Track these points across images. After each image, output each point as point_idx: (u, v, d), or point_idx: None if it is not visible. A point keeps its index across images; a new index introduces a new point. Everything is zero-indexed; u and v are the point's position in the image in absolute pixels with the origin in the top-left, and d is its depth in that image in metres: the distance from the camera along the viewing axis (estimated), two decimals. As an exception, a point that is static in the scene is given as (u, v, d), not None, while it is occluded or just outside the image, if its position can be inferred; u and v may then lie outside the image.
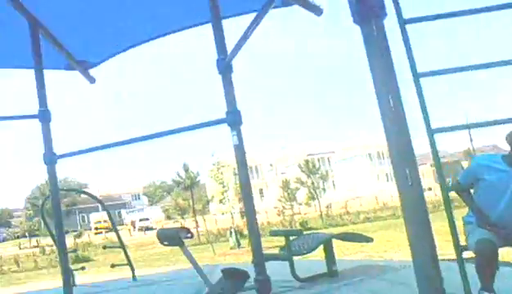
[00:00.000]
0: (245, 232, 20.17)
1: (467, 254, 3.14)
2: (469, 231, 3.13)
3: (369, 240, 7.18)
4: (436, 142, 3.00)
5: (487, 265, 2.90)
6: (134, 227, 51.39)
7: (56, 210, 7.52)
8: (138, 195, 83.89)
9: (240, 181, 5.97)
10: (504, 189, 3.06)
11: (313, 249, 6.25)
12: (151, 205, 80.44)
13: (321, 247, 6.36)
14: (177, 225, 32.31)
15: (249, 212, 5.87)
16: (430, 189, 32.62)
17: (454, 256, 3.02)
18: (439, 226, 3.44)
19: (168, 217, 57.24)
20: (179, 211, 35.88)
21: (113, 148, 7.42)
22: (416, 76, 3.06)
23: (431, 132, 3.02)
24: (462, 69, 3.23)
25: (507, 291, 3.07)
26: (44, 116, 7.32)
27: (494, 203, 3.11)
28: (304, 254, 6.20)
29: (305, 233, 7.13)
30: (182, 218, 35.09)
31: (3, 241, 59.50)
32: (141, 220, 55.06)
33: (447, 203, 3.02)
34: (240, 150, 5.76)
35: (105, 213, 49.98)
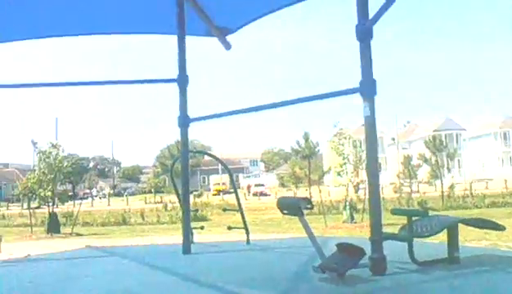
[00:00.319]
0: (359, 206, 19.78)
1: None
2: None
3: (500, 228, 6.58)
4: None
5: None
6: (249, 191, 53.11)
7: (184, 170, 7.99)
8: (256, 161, 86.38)
9: (367, 155, 5.76)
10: None
11: (437, 232, 5.86)
12: (267, 171, 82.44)
13: (445, 230, 5.95)
14: (291, 194, 32.74)
15: (373, 188, 5.66)
16: None
17: None
18: None
19: (283, 185, 58.28)
20: (294, 179, 36.29)
21: (241, 114, 7.61)
22: None
23: None
24: None
25: None
26: (182, 81, 7.69)
27: None
28: (426, 236, 5.84)
29: (430, 214, 6.71)
30: (296, 187, 35.46)
31: (132, 195, 64.93)
32: (256, 185, 56.72)
33: None
34: (370, 122, 5.52)
35: (224, 176, 52.39)
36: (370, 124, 5.57)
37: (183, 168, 8.03)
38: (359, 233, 11.85)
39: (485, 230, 8.30)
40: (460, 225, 6.41)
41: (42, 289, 5.23)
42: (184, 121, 7.67)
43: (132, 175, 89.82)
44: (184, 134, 7.78)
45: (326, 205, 24.35)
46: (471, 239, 9.48)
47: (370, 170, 5.74)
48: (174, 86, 7.69)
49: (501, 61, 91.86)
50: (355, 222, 17.56)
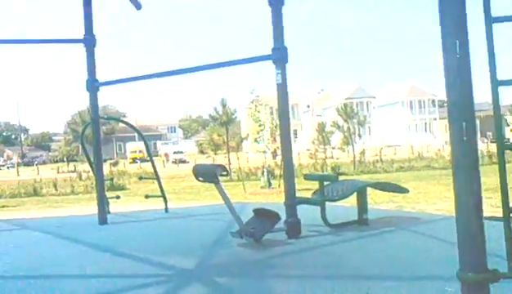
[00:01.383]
0: (276, 172, 20.27)
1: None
2: None
3: (404, 191, 7.09)
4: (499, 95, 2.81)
5: None
6: (167, 159, 52.56)
7: (96, 137, 7.70)
8: (174, 128, 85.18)
9: (280, 121, 5.90)
10: None
11: (347, 196, 6.20)
12: (186, 138, 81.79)
13: (355, 194, 6.29)
14: (210, 161, 32.81)
15: (286, 154, 5.84)
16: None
17: (500, 215, 2.90)
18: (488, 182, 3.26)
19: (202, 152, 58.17)
20: (213, 146, 36.31)
21: (154, 78, 7.44)
22: (489, 20, 2.81)
23: (496, 84, 2.80)
24: None
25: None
26: (89, 42, 7.32)
27: None
28: (337, 200, 6.15)
29: (340, 179, 7.05)
30: (215, 153, 35.52)
31: (43, 164, 61.94)
32: (175, 152, 56.15)
33: (501, 161, 2.85)
34: (282, 89, 5.65)
35: (141, 143, 51.25)
36: (282, 91, 5.68)
37: (94, 135, 7.73)
38: (276, 199, 12.17)
39: (392, 193, 8.86)
40: (370, 189, 6.82)
41: None
42: (92, 85, 7.37)
43: (42, 142, 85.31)
44: (93, 98, 7.48)
45: (245, 171, 24.71)
46: (379, 202, 10.09)
47: (282, 137, 5.90)
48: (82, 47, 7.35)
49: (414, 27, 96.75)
50: (273, 188, 18.00)
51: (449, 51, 2.74)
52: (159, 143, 70.08)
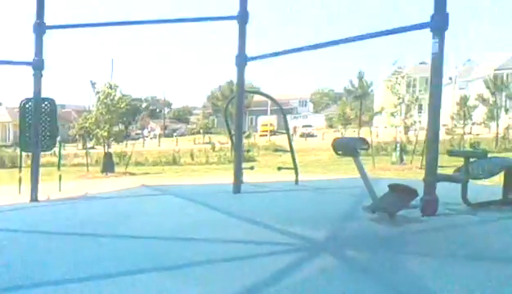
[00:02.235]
0: (409, 148, 19.43)
1: None
2: None
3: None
4: None
5: None
6: (295, 132, 53.13)
7: (239, 111, 8.04)
8: (305, 101, 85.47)
9: (431, 92, 5.54)
10: None
11: (495, 174, 5.74)
12: (316, 112, 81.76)
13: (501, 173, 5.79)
14: (338, 135, 32.52)
15: (433, 128, 5.52)
16: None
17: None
18: None
19: (331, 126, 57.80)
20: (343, 120, 35.85)
21: (300, 52, 7.41)
22: None
23: None
24: None
25: None
26: (242, 18, 7.56)
27: None
28: (482, 178, 5.72)
29: (489, 156, 6.52)
30: (344, 128, 35.06)
31: (181, 136, 66.27)
32: (304, 126, 56.54)
33: None
34: (438, 59, 5.33)
35: (272, 117, 52.37)
36: (438, 62, 5.34)
37: (238, 109, 8.05)
38: (408, 175, 11.69)
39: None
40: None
41: (100, 226, 5.53)
42: (242, 60, 7.57)
43: (183, 116, 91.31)
44: (241, 73, 7.68)
45: (375, 146, 24.07)
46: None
47: (431, 109, 5.54)
48: (228, 24, 7.55)
49: None
50: (404, 164, 17.33)
51: None
52: (288, 117, 71.02)
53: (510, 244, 4.22)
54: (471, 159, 5.86)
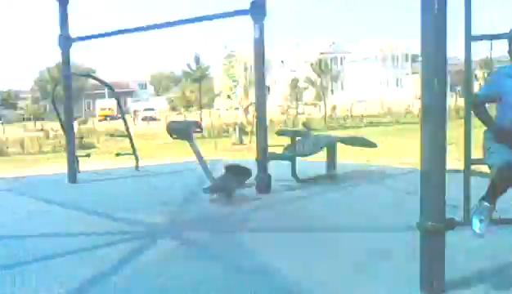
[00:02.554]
0: (248, 129, 20.31)
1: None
2: (491, 148, 2.94)
3: (372, 145, 7.22)
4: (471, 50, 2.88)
5: (504, 189, 2.84)
6: (137, 116, 51.81)
7: (67, 95, 7.52)
8: (145, 84, 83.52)
9: (256, 76, 5.86)
10: None
11: (317, 151, 6.31)
12: (157, 95, 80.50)
13: (325, 149, 6.39)
14: (181, 118, 32.59)
15: (260, 109, 5.85)
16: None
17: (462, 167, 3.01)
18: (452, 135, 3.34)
19: (173, 109, 57.56)
20: (185, 103, 35.96)
21: (128, 34, 7.22)
22: None
23: (469, 39, 2.84)
24: None
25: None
26: None
27: None
28: (308, 155, 6.25)
29: (312, 134, 7.15)
30: (187, 111, 35.24)
31: (9, 123, 60.36)
32: (145, 109, 55.34)
33: (468, 114, 2.94)
34: (259, 44, 5.62)
35: (111, 101, 50.15)
36: (259, 46, 5.64)
37: (66, 92, 7.57)
38: (248, 155, 12.26)
39: (360, 148, 9.03)
40: (340, 144, 6.93)
41: None
42: (66, 41, 7.15)
43: (8, 100, 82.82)
44: (65, 55, 7.29)
45: (217, 128, 24.67)
46: (350, 157, 10.26)
47: (257, 92, 5.90)
48: (53, 2, 7.07)
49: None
50: (244, 144, 18.09)
51: (427, 6, 2.74)
52: (129, 100, 68.86)
53: (335, 213, 4.70)
54: (297, 138, 6.38)
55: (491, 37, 3.22)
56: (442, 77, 2.82)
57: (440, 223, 2.84)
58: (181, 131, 5.69)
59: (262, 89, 5.89)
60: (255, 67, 5.81)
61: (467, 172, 2.96)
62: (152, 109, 55.39)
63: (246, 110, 22.18)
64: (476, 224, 2.96)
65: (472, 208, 3.00)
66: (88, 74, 22.31)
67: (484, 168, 3.67)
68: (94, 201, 5.78)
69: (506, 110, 2.95)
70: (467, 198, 2.95)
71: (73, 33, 7.20)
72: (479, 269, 2.97)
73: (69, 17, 7.12)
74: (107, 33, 7.50)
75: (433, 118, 2.87)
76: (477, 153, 3.07)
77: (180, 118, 31.95)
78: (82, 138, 16.25)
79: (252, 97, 21.70)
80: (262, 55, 5.73)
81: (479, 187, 3.04)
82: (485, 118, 3.01)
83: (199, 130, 5.62)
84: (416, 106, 27.46)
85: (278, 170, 6.05)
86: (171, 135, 5.80)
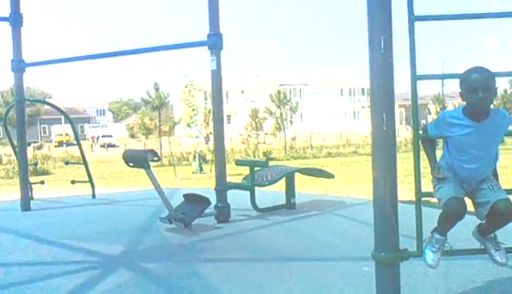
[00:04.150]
0: (208, 157, 20.25)
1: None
2: (439, 183, 3.03)
3: (330, 176, 7.37)
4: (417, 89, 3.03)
5: (453, 222, 2.95)
6: (96, 142, 50.90)
7: (20, 119, 7.34)
8: (103, 110, 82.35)
9: (213, 106, 5.95)
10: (470, 146, 2.93)
11: (276, 181, 6.36)
12: (116, 122, 79.50)
13: (283, 179, 6.47)
14: (141, 145, 32.19)
15: (218, 139, 5.90)
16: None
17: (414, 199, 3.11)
18: (403, 169, 3.47)
19: (132, 136, 56.85)
20: (144, 130, 35.56)
21: (85, 60, 7.19)
22: (412, 18, 3.00)
23: (415, 79, 3.01)
24: (460, 17, 3.23)
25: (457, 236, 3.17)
26: (15, 20, 6.93)
27: (461, 161, 3.00)
28: (266, 185, 6.29)
29: (271, 164, 7.22)
30: (146, 138, 34.85)
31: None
32: (104, 136, 54.46)
33: (416, 151, 3.06)
34: (216, 76, 5.71)
35: (67, 126, 49.08)
36: (217, 77, 5.73)
37: (19, 117, 7.39)
38: (207, 184, 12.22)
39: (319, 178, 9.18)
40: (298, 175, 7.03)
41: None
42: (18, 65, 7.04)
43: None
44: (19, 79, 7.14)
45: (177, 156, 24.47)
46: (307, 187, 10.40)
47: (215, 122, 5.97)
48: (7, 26, 6.99)
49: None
50: (204, 173, 17.98)
51: (374, 46, 2.90)
52: (86, 126, 67.63)
53: (293, 243, 4.72)
54: (256, 168, 6.45)
55: (434, 77, 3.42)
56: (390, 112, 2.95)
57: (394, 253, 2.93)
58: (138, 160, 5.62)
59: (219, 119, 5.95)
60: (213, 97, 5.88)
61: (418, 204, 3.06)
62: (111, 136, 54.59)
63: (207, 139, 22.11)
64: (428, 256, 3.05)
65: (424, 240, 3.10)
66: (42, 100, 21.76)
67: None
68: (47, 229, 5.62)
69: (447, 151, 3.09)
70: (419, 229, 3.04)
71: (29, 58, 7.10)
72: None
73: (22, 42, 7.03)
74: (61, 60, 7.43)
75: (383, 151, 2.99)
76: (428, 185, 3.19)
77: (139, 146, 31.58)
78: (35, 164, 15.76)
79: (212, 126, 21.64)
80: (220, 86, 5.81)
81: (433, 218, 3.16)
82: (427, 155, 3.16)
83: (155, 158, 5.56)
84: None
85: (238, 199, 6.07)
86: (127, 164, 5.74)
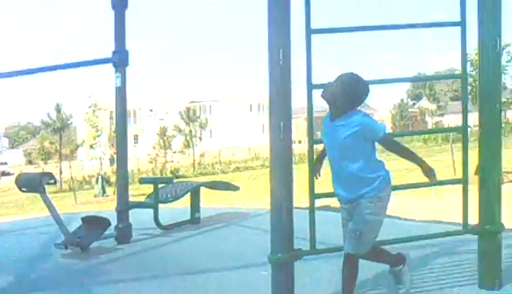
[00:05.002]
0: (113, 179, 19.53)
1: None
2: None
3: (235, 189, 7.42)
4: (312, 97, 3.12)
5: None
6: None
7: None
8: (-2, 136, 76.88)
9: (117, 126, 5.78)
10: (331, 147, 2.94)
11: (180, 197, 6.28)
12: (12, 148, 74.55)
13: (188, 195, 6.38)
14: (39, 171, 30.35)
15: (121, 157, 5.71)
16: (300, 141, 34.60)
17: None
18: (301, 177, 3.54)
19: (30, 162, 53.44)
20: (43, 155, 33.58)
21: None
22: (309, 31, 3.11)
23: (310, 87, 3.12)
24: (353, 30, 3.39)
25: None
26: None
27: (332, 163, 2.95)
28: (170, 201, 6.19)
29: (175, 181, 7.11)
30: (45, 163, 32.95)
31: None
32: (-2, 163, 50.85)
33: (311, 156, 3.17)
34: (121, 93, 5.54)
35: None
36: (121, 95, 5.56)
37: None
38: (110, 207, 11.79)
39: (227, 192, 9.20)
40: (205, 190, 6.98)
41: None
42: None
43: None
44: None
45: (79, 180, 23.38)
46: (213, 201, 10.37)
47: (118, 140, 5.79)
48: None
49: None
50: (107, 195, 17.30)
51: (273, 58, 3.01)
52: (-21, 154, 62.66)
53: (195, 257, 4.67)
54: (160, 185, 6.31)
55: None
56: (288, 122, 3.04)
57: (288, 253, 3.02)
58: (32, 184, 5.28)
59: (123, 137, 5.79)
60: (117, 115, 5.70)
61: (311, 209, 3.15)
62: (5, 163, 51.12)
63: (111, 159, 21.37)
64: None
65: None
66: None
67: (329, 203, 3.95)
68: None
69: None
70: (312, 226, 3.14)
71: None
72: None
73: None
74: None
75: (280, 159, 3.09)
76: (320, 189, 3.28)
77: (38, 171, 29.77)
78: None
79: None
80: (124, 103, 5.65)
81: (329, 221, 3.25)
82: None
83: (52, 181, 5.26)
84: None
85: (141, 218, 5.88)
86: (20, 189, 5.38)
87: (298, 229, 3.10)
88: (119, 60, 5.49)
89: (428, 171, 2.87)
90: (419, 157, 2.92)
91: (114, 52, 5.51)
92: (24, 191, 5.48)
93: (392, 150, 2.88)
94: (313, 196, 3.18)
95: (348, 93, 2.82)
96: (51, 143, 33.12)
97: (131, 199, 5.91)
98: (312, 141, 3.22)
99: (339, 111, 2.85)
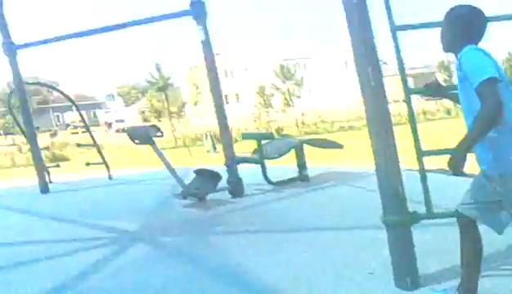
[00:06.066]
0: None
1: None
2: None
3: (339, 146, 7.26)
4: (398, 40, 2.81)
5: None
6: (110, 127, 51.19)
7: (24, 106, 7.27)
8: (113, 95, 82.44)
9: (209, 80, 5.70)
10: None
11: (284, 153, 6.31)
12: (127, 106, 79.52)
13: (293, 152, 6.43)
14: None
15: (220, 115, 5.80)
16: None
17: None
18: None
19: (145, 120, 56.96)
20: (155, 113, 35.38)
21: (79, 38, 6.84)
22: (393, 27, 2.86)
23: (394, 29, 2.83)
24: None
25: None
26: None
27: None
28: (275, 158, 6.24)
29: (277, 137, 7.16)
30: (159, 120, 34.88)
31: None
32: (116, 121, 54.73)
33: (410, 108, 2.94)
34: (207, 46, 5.50)
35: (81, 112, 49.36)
36: (207, 48, 5.50)
37: (22, 103, 7.30)
38: (221, 161, 12.35)
39: (333, 151, 9.14)
40: (310, 148, 6.98)
41: None
42: (9, 47, 6.84)
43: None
44: (14, 63, 6.96)
45: (191, 137, 24.56)
46: (321, 160, 10.42)
47: (214, 97, 5.75)
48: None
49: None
50: (218, 152, 18.06)
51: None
52: (99, 112, 67.93)
53: (307, 215, 4.74)
54: (263, 141, 6.40)
55: (415, 27, 2.98)
56: (376, 67, 2.77)
57: (403, 215, 2.83)
58: (141, 136, 5.65)
59: (217, 94, 5.73)
60: (207, 70, 5.62)
61: (420, 167, 2.95)
62: (122, 120, 54.79)
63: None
64: None
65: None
66: (45, 83, 21.57)
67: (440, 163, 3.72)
68: (65, 209, 5.79)
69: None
70: (426, 191, 2.96)
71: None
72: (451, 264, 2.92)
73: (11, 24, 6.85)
74: (54, 38, 7.03)
75: (375, 111, 2.87)
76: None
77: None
78: (47, 148, 15.94)
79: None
80: (212, 57, 5.58)
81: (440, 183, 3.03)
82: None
83: (159, 134, 5.56)
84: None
85: (252, 174, 6.11)
86: (133, 141, 5.75)
87: (410, 192, 2.90)
88: (198, 11, 5.41)
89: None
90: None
91: (191, 4, 5.47)
92: (136, 143, 5.77)
93: None
94: (421, 153, 2.93)
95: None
96: (159, 101, 34.44)
97: (238, 154, 6.07)
98: (408, 90, 2.91)
99: None
